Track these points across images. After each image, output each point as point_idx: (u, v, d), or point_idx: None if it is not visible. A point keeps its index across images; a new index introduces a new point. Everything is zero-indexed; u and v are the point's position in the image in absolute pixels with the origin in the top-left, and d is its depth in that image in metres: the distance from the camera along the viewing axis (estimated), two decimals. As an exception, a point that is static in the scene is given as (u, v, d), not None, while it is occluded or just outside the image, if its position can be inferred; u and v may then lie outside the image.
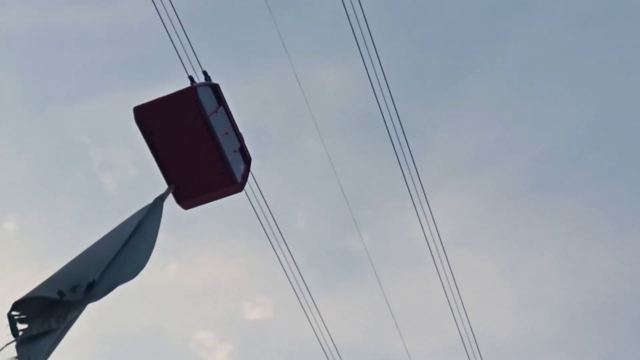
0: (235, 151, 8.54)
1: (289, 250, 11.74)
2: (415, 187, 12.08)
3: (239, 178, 8.43)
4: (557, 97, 29.72)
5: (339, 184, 15.16)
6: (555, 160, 31.11)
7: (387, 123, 11.25)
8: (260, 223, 10.18)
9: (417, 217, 12.59)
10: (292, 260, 11.75)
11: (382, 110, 11.10)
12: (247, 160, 9.04)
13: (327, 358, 12.22)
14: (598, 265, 34.28)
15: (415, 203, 12.27)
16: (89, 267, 5.79)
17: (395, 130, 11.39)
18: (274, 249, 11.65)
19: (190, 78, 8.79)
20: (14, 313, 5.33)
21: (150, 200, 7.18)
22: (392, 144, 11.47)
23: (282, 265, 11.61)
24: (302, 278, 12.03)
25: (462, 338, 14.05)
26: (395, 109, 11.00)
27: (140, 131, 7.79)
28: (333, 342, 11.96)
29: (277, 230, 11.12)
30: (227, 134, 8.39)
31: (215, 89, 8.49)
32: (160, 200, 7.20)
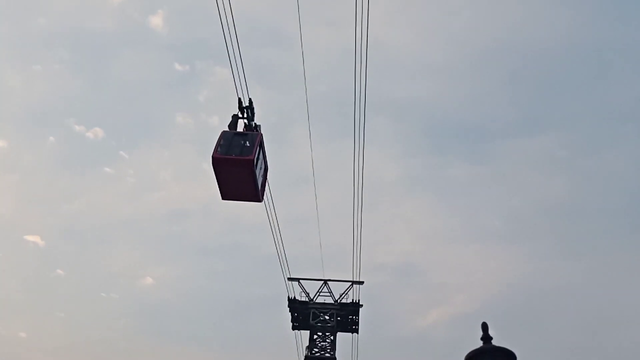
0: (262, 175, 14.74)
1: None
2: None
3: (261, 196, 15.07)
4: None
5: None
6: None
7: None
8: None
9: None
10: None
11: None
12: (265, 168, 15.14)
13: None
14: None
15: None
16: None
17: None
18: None
19: (239, 100, 14.71)
20: None
21: None
22: None
23: None
24: None
25: (354, 46, 15.03)
26: None
27: (213, 170, 13.93)
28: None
29: None
30: (261, 168, 14.55)
31: (261, 140, 14.54)
32: None
